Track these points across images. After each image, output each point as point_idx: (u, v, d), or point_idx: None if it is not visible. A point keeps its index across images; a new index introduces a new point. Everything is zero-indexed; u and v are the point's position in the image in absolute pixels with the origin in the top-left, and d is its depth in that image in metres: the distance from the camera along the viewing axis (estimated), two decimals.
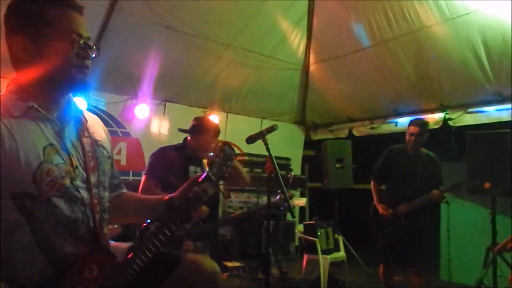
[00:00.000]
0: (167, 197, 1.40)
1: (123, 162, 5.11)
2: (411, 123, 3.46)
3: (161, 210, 1.38)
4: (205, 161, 2.93)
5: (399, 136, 5.15)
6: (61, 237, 1.10)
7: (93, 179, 1.21)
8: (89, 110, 4.64)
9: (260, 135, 2.31)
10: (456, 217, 4.69)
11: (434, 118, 4.79)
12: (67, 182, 1.13)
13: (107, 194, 1.30)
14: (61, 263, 1.10)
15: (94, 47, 1.22)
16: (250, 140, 2.43)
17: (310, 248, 4.39)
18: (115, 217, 1.42)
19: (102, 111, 4.88)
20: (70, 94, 1.26)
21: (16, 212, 1.05)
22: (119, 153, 5.07)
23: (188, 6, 4.35)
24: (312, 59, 5.55)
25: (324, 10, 4.94)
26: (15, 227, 1.06)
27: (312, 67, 5.65)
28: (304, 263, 4.46)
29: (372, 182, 3.64)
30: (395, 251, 3.39)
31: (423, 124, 3.42)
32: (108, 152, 1.34)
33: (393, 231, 3.40)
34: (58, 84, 1.17)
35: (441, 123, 4.73)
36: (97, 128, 1.36)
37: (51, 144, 1.13)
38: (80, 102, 4.48)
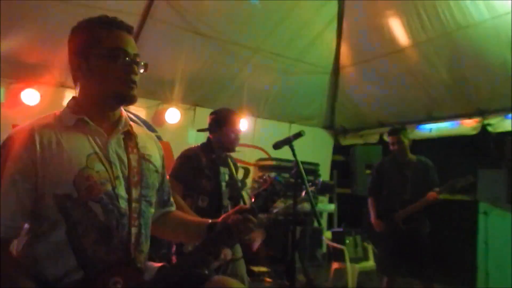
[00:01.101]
0: (210, 221, 1.41)
1: None
2: (389, 132, 3.56)
3: (201, 233, 1.38)
4: (229, 159, 2.76)
5: (432, 142, 5.00)
6: (93, 241, 1.14)
7: (135, 193, 1.24)
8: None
9: (287, 141, 2.30)
10: (495, 229, 4.44)
11: (471, 123, 4.58)
12: (106, 189, 1.18)
13: (151, 209, 1.33)
14: (90, 268, 1.14)
15: (142, 63, 1.29)
16: (277, 146, 2.41)
17: (338, 256, 4.31)
18: (159, 234, 1.47)
19: (135, 115, 5.02)
20: (121, 108, 1.33)
21: (57, 212, 1.13)
22: None
23: (217, 11, 4.39)
24: (342, 62, 5.45)
25: (354, 11, 4.84)
26: (54, 226, 1.13)
27: (342, 71, 5.55)
28: (332, 271, 4.37)
29: (369, 199, 3.64)
30: (397, 261, 3.33)
31: (397, 131, 3.50)
32: (155, 167, 1.37)
33: (393, 240, 3.37)
34: (106, 98, 1.25)
35: (479, 129, 4.50)
36: (147, 142, 1.40)
37: (95, 153, 1.20)
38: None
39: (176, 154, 5.17)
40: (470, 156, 3.41)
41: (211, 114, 2.80)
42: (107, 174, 1.20)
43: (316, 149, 6.37)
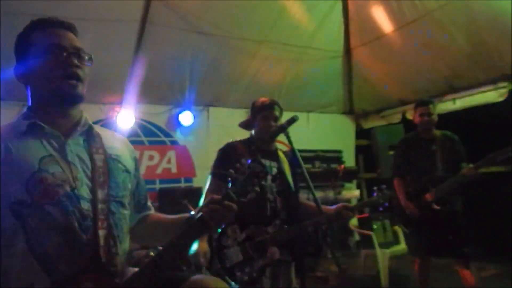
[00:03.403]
0: (188, 215, 1.35)
1: (174, 170, 5.26)
2: (417, 104, 3.36)
3: (182, 228, 1.31)
4: (281, 154, 2.54)
5: (458, 114, 4.73)
6: (56, 245, 1.10)
7: (101, 194, 1.19)
8: (136, 123, 4.89)
9: (281, 129, 2.19)
10: None
11: (497, 90, 4.29)
12: (64, 190, 1.13)
13: (124, 210, 1.28)
14: (56, 275, 1.09)
15: (87, 57, 1.26)
16: (272, 135, 2.32)
17: (367, 242, 4.17)
18: (141, 238, 1.44)
19: (148, 122, 5.07)
20: (81, 110, 1.30)
21: (14, 221, 1.09)
22: (169, 161, 5.23)
23: (216, 8, 4.33)
24: (352, 43, 5.25)
25: None
26: (13, 236, 1.10)
27: (354, 52, 5.35)
28: (362, 258, 4.24)
29: (394, 180, 3.40)
30: (431, 241, 3.15)
31: (426, 101, 3.33)
32: (124, 166, 1.33)
33: (426, 221, 3.15)
34: (50, 98, 1.22)
35: (505, 95, 4.21)
36: (114, 143, 1.36)
37: (49, 155, 1.16)
38: (128, 116, 4.69)
39: (194, 156, 5.31)
40: (498, 125, 3.15)
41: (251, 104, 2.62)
42: (64, 175, 1.15)
43: (338, 136, 6.23)
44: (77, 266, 1.11)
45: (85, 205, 1.16)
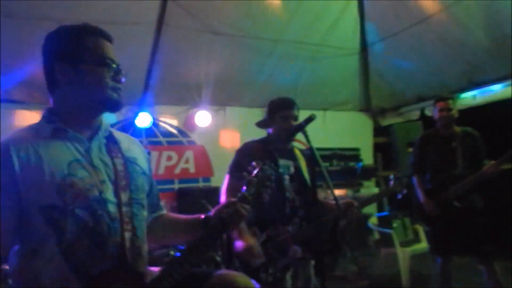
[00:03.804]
0: (203, 216, 1.39)
1: (192, 170, 5.31)
2: (437, 100, 3.34)
3: (197, 228, 1.37)
4: (297, 152, 2.54)
5: (479, 110, 4.63)
6: (87, 249, 1.13)
7: (124, 197, 1.23)
8: (154, 124, 4.96)
9: (299, 128, 2.19)
10: None
11: None
12: (93, 194, 1.16)
13: (144, 212, 1.32)
14: (86, 277, 1.12)
15: (124, 72, 1.32)
16: (290, 134, 2.32)
17: (387, 241, 4.13)
18: (155, 238, 1.46)
19: (165, 123, 5.14)
20: (101, 115, 1.33)
21: (44, 225, 1.12)
22: (187, 161, 5.28)
23: (231, 8, 4.35)
24: (369, 39, 5.19)
25: None
26: (44, 239, 1.12)
27: (370, 49, 5.29)
28: (382, 257, 4.19)
29: (414, 177, 3.38)
30: (452, 240, 3.11)
31: (446, 97, 3.32)
32: (142, 169, 1.37)
33: (446, 219, 3.12)
34: (94, 103, 1.26)
35: None
36: (130, 146, 1.40)
37: (77, 160, 1.19)
38: (146, 117, 4.77)
39: (212, 156, 5.35)
40: None
41: (267, 106, 2.61)
42: (92, 180, 1.18)
43: (355, 133, 6.18)
44: (106, 268, 1.14)
45: (113, 208, 1.20)
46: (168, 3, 4.09)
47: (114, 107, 1.29)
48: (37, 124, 1.26)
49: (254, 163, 1.43)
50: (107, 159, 1.27)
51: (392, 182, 2.62)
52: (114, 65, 1.27)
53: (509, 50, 4.05)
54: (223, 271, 1.34)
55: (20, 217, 1.12)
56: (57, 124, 1.22)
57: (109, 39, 1.31)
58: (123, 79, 1.30)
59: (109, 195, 1.20)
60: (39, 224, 1.11)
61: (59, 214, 1.11)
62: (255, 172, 1.38)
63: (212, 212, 1.38)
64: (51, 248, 1.11)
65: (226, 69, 4.87)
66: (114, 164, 1.26)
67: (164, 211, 1.52)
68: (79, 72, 1.23)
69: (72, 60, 1.23)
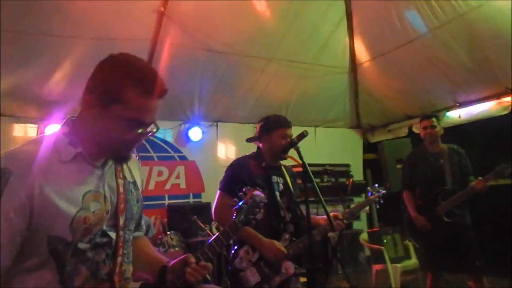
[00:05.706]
0: (165, 263, 1.37)
1: (183, 185, 5.29)
2: (421, 118, 3.48)
3: (153, 272, 1.36)
4: (283, 168, 2.57)
5: (464, 127, 4.77)
6: (84, 278, 1.14)
7: (121, 221, 1.23)
8: (145, 139, 4.95)
9: (292, 144, 2.23)
10: None
11: (501, 103, 4.35)
12: (98, 228, 1.17)
13: (131, 237, 1.32)
14: None
15: (155, 129, 1.23)
16: (283, 151, 2.36)
17: (378, 257, 4.16)
18: None
19: (157, 137, 5.14)
20: None
21: (46, 252, 1.10)
22: (178, 177, 5.27)
23: (226, 27, 4.46)
24: (358, 59, 5.36)
25: (362, 8, 4.77)
26: (43, 264, 1.10)
27: (359, 68, 5.45)
28: (373, 273, 4.22)
29: (404, 194, 3.49)
30: (442, 255, 3.16)
31: (430, 115, 3.45)
32: (137, 195, 1.35)
33: (436, 234, 3.20)
34: (104, 148, 1.19)
35: (510, 108, 4.26)
36: (132, 166, 1.37)
37: (90, 191, 1.16)
38: None
39: (203, 172, 5.35)
40: (503, 138, 3.20)
41: (259, 121, 2.60)
42: (101, 212, 1.17)
43: (345, 150, 6.27)
44: None
45: (112, 235, 1.20)
46: (164, 21, 4.17)
47: (122, 161, 1.26)
48: (58, 141, 1.17)
49: (244, 189, 1.47)
50: (112, 181, 1.25)
51: (369, 194, 2.80)
52: (141, 130, 1.16)
53: (491, 72, 4.23)
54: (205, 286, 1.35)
55: (25, 239, 1.08)
56: (78, 149, 1.16)
57: (159, 95, 1.17)
58: (142, 139, 1.21)
59: (110, 221, 1.21)
60: (42, 250, 1.10)
61: (63, 247, 1.10)
62: (245, 198, 1.41)
63: (174, 261, 1.36)
64: (49, 273, 1.11)
65: (219, 85, 4.96)
66: (117, 185, 1.25)
67: (142, 233, 1.49)
68: (102, 117, 1.14)
69: (104, 103, 1.13)
